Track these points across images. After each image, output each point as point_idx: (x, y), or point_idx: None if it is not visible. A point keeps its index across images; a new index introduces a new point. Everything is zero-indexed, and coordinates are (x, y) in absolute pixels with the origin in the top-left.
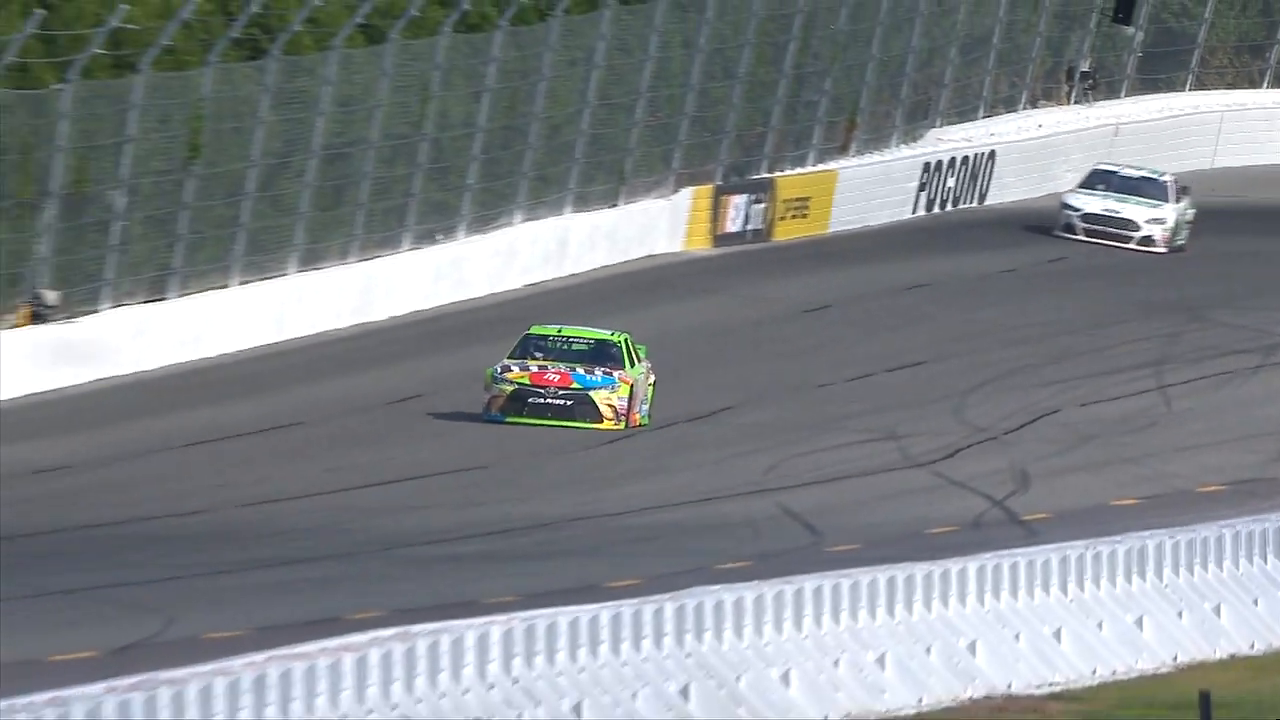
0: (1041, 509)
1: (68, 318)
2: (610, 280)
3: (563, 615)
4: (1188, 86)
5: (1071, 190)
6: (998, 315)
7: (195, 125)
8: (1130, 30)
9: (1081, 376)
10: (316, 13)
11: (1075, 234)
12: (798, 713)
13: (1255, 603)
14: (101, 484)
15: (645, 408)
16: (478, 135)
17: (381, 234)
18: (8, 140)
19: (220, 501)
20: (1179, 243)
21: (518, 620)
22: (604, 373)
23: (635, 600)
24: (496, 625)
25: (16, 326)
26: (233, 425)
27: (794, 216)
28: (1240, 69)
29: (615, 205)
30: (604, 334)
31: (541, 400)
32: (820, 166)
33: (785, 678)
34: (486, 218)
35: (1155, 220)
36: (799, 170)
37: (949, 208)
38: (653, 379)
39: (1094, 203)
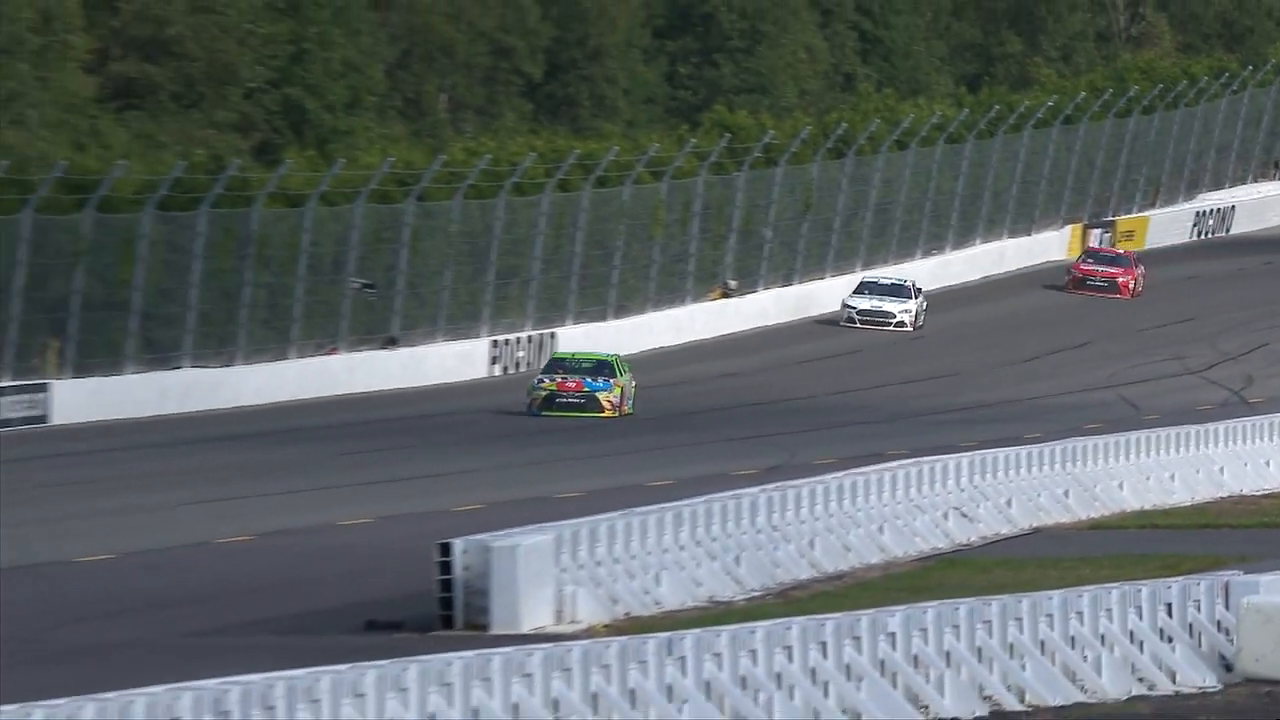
0: (1259, 396)
1: (741, 295)
2: (1027, 275)
3: (1000, 452)
4: None
5: (849, 295)
6: (1234, 294)
7: (807, 195)
8: None
9: (1274, 326)
10: (870, 134)
11: (855, 324)
12: (1128, 505)
13: None
14: (752, 384)
15: (630, 402)
16: (956, 198)
17: (901, 250)
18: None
19: (815, 393)
20: (920, 324)
21: (976, 455)
22: (604, 380)
23: (1039, 445)
24: (965, 458)
25: (713, 300)
26: (818, 353)
27: (1125, 240)
28: None
29: (1029, 234)
30: (602, 355)
31: (564, 400)
32: (1139, 213)
33: (1120, 486)
34: (963, 242)
35: (905, 311)
36: (1128, 215)
37: (1209, 236)
38: (635, 383)
39: (864, 302)
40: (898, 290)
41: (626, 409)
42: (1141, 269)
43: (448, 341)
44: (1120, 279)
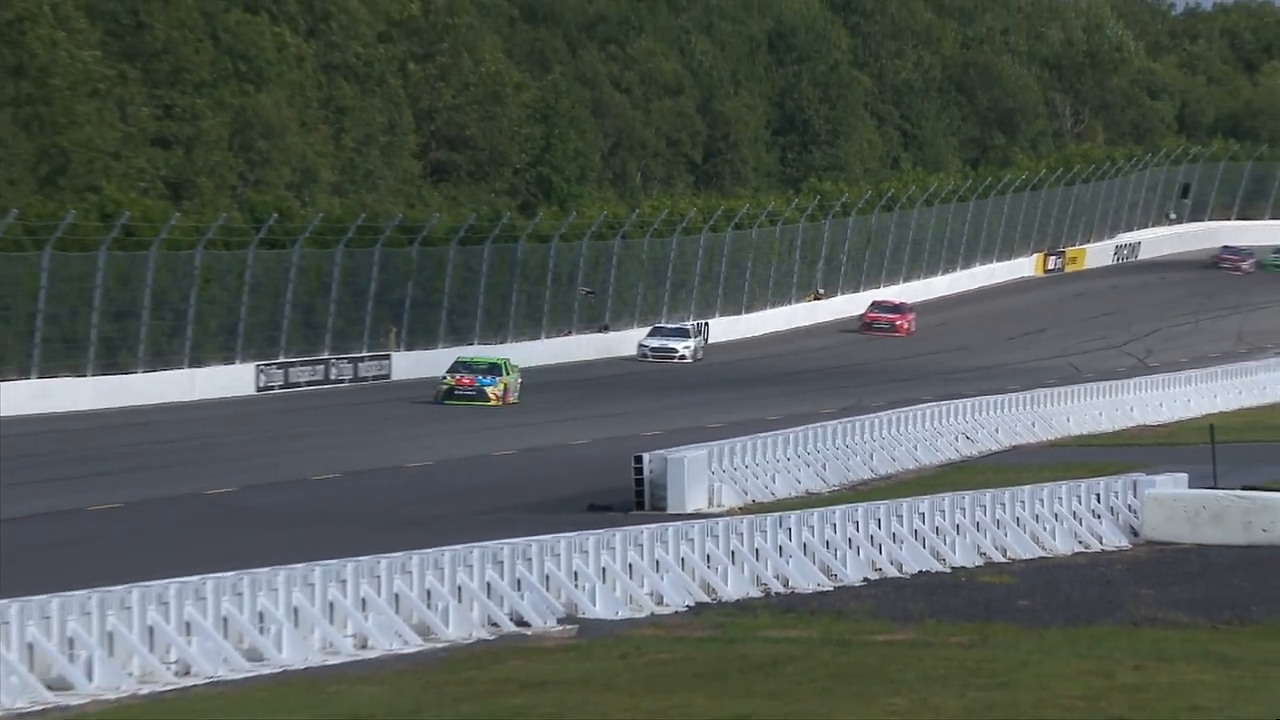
0: (1156, 362)
1: (828, 298)
2: (1009, 285)
3: (991, 398)
4: (1205, 220)
5: (644, 337)
6: (1140, 297)
7: (868, 235)
8: (1187, 200)
9: (1165, 318)
10: (909, 196)
11: (647, 358)
12: (1072, 431)
13: (1240, 391)
14: (834, 354)
15: (515, 393)
16: (964, 236)
17: (928, 269)
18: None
19: (873, 359)
20: (699, 357)
21: (976, 399)
22: (491, 378)
23: (1016, 393)
24: (969, 401)
25: (809, 301)
26: (875, 335)
27: (1071, 265)
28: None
29: (1010, 259)
30: (494, 358)
31: (460, 392)
32: (1080, 246)
33: (1068, 419)
34: (969, 264)
35: (685, 348)
36: (1073, 247)
37: (1125, 261)
38: (520, 380)
39: (655, 342)
40: (680, 333)
41: (511, 399)
42: (913, 315)
43: (640, 328)
44: (897, 322)
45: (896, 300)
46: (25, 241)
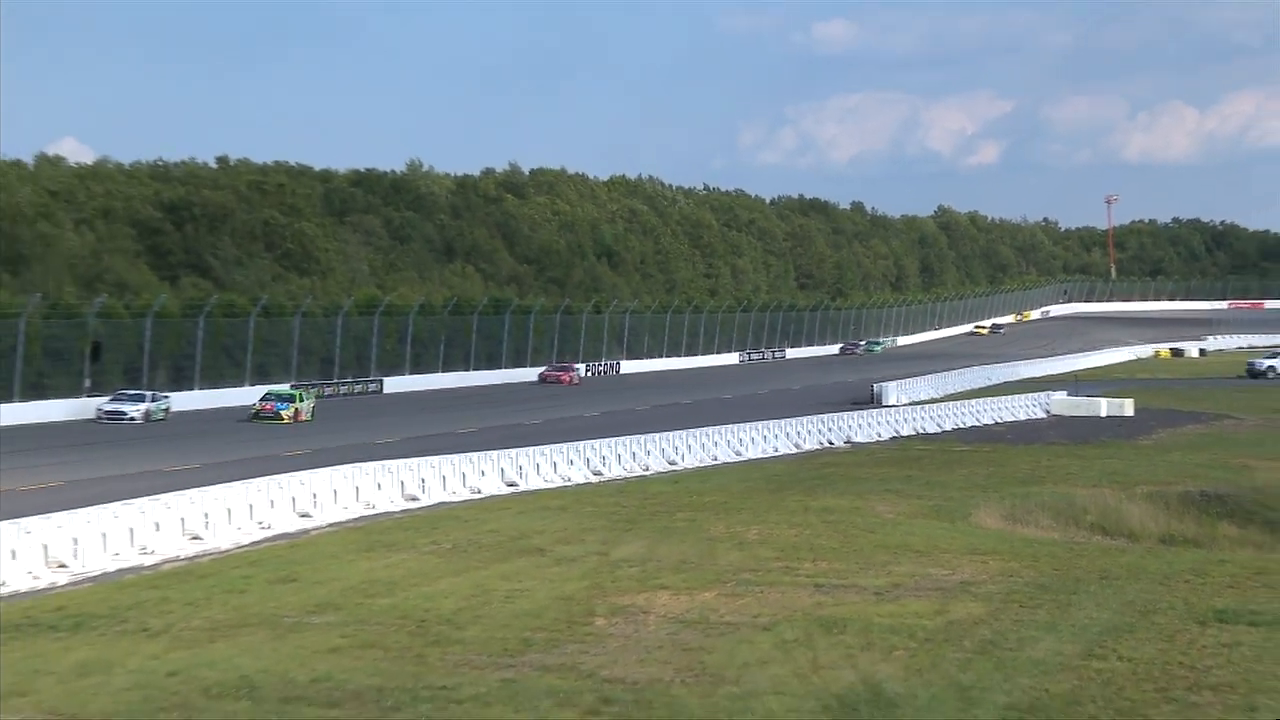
0: (1055, 352)
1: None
2: (958, 334)
3: (996, 365)
4: (1072, 304)
5: (105, 401)
6: (1050, 330)
7: (868, 316)
8: (1066, 294)
9: (1057, 337)
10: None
11: (253, 413)
12: (1022, 376)
13: (1088, 362)
14: (866, 357)
15: (308, 414)
16: (931, 314)
17: (896, 331)
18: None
19: (908, 356)
20: (162, 418)
21: (994, 365)
22: (284, 403)
23: (1005, 362)
24: (961, 370)
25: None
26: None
27: (1026, 318)
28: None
29: (954, 326)
30: (291, 391)
31: (263, 415)
32: (1028, 310)
33: (1023, 372)
34: (929, 327)
35: (136, 410)
36: (1024, 311)
37: (1046, 318)
38: (313, 404)
39: (110, 406)
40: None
41: (304, 418)
42: (574, 373)
43: (808, 348)
44: (563, 378)
45: (562, 365)
46: (578, 311)
